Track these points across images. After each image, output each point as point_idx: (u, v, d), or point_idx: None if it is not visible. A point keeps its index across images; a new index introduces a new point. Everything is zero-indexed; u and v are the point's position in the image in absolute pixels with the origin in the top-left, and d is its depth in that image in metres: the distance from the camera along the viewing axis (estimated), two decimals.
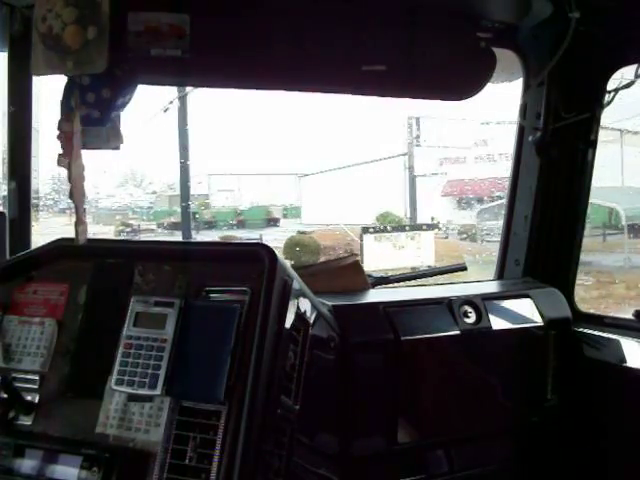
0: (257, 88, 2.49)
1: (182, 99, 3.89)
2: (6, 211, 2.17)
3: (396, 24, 2.27)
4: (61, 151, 1.80)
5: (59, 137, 1.83)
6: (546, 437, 2.36)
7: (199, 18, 2.04)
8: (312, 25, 2.24)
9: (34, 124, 2.20)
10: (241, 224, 11.22)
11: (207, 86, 2.42)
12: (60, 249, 1.78)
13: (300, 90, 2.49)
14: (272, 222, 11.70)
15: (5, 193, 2.21)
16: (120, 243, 1.87)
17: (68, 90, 1.81)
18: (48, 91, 2.21)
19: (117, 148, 1.91)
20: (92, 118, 1.82)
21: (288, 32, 2.21)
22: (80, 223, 1.74)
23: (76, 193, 1.75)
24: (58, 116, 1.93)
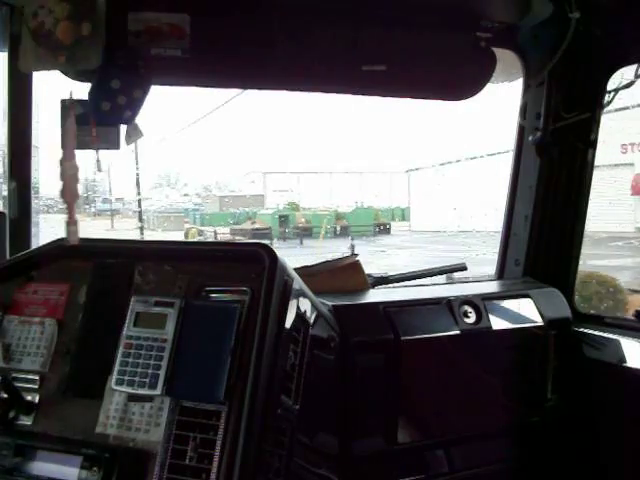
0: (257, 88, 2.50)
1: None
2: (6, 211, 2.17)
3: (396, 24, 2.27)
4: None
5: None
6: (546, 437, 2.36)
7: (199, 18, 2.04)
8: (312, 25, 2.24)
9: (34, 142, 2.20)
10: (343, 231, 9.44)
11: (207, 86, 2.42)
12: (60, 249, 1.78)
13: (300, 90, 2.49)
14: (381, 228, 10.08)
15: (5, 193, 2.21)
16: (120, 243, 1.87)
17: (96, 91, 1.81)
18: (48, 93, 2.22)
19: (117, 148, 1.91)
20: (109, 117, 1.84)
21: (288, 32, 2.21)
22: (72, 223, 1.74)
23: (68, 193, 1.75)
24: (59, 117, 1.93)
